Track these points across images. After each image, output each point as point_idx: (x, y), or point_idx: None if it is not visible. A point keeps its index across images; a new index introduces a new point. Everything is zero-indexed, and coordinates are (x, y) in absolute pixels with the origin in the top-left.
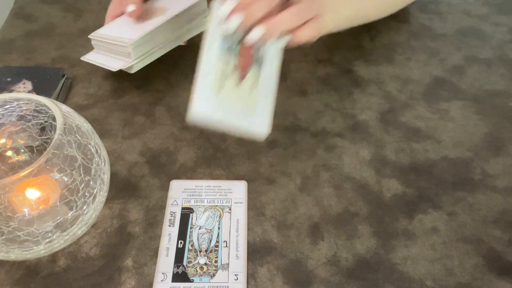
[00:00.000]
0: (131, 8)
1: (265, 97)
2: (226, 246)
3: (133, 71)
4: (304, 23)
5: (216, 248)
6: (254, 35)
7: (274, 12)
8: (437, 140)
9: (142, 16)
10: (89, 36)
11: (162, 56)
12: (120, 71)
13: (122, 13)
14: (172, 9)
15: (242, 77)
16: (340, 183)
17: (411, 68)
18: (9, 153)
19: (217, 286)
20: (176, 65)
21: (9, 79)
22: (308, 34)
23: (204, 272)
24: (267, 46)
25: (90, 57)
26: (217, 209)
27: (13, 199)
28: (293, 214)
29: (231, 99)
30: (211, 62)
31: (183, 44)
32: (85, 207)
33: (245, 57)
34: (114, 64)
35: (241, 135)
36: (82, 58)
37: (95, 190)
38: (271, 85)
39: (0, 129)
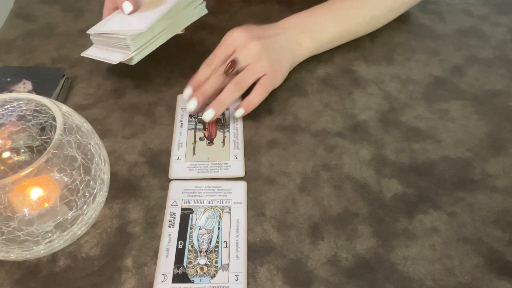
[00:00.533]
0: (127, 8)
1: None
2: (226, 247)
3: (133, 62)
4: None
5: (216, 249)
6: (207, 116)
7: (226, 81)
8: (437, 140)
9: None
10: (87, 32)
11: (162, 56)
12: (121, 68)
13: (117, 7)
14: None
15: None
16: (340, 183)
17: (411, 68)
18: (9, 153)
19: (217, 287)
20: (176, 65)
21: (9, 79)
22: (257, 99)
23: (204, 273)
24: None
25: (90, 53)
26: (217, 210)
27: (13, 199)
28: (293, 214)
29: None
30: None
31: (181, 32)
32: (85, 207)
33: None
34: (113, 57)
35: None
36: (82, 54)
37: (95, 190)
38: None
39: (0, 129)
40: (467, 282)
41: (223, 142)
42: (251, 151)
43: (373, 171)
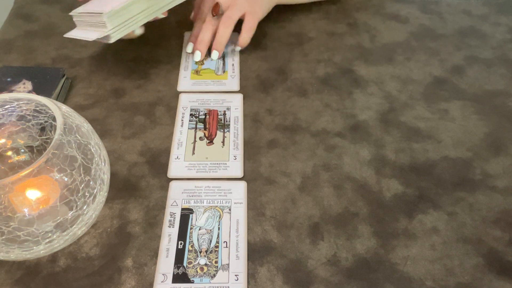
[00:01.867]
0: None
1: None
2: (226, 247)
3: (111, 41)
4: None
5: (216, 249)
6: (214, 56)
7: (216, 24)
8: (437, 140)
9: None
10: (70, 13)
11: (162, 56)
12: (121, 68)
13: None
14: None
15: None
16: (340, 183)
17: (411, 68)
18: (9, 153)
19: (217, 287)
20: (176, 65)
21: (9, 79)
22: (247, 34)
23: (204, 273)
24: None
25: (72, 33)
26: (217, 210)
27: (13, 199)
28: (293, 214)
29: None
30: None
31: (163, 16)
32: (85, 207)
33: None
34: (91, 35)
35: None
36: (65, 35)
37: (95, 190)
38: None
39: (0, 129)
40: (467, 282)
41: (223, 142)
42: (251, 151)
43: (373, 171)
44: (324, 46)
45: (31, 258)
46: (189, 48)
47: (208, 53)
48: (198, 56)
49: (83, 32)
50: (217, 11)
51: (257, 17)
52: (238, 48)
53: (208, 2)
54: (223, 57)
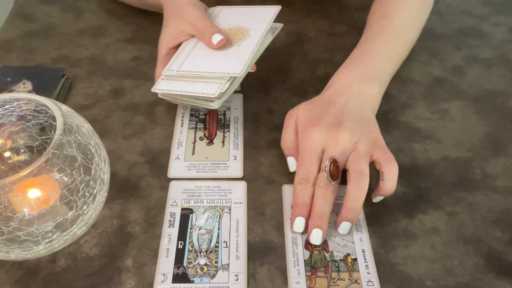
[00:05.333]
0: (217, 38)
1: None
2: (226, 247)
3: (215, 107)
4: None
5: (216, 249)
6: (345, 230)
7: (335, 188)
8: (437, 140)
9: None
10: (164, 72)
11: None
12: (121, 68)
13: (178, 45)
14: (254, 29)
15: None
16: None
17: (411, 68)
18: (9, 153)
19: (217, 287)
20: None
21: (9, 79)
22: (393, 182)
23: (204, 273)
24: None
25: (166, 87)
26: (216, 210)
27: (13, 199)
28: None
29: None
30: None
31: (252, 70)
32: (85, 207)
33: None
34: (207, 89)
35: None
36: (154, 90)
37: (95, 190)
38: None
39: (0, 129)
40: (467, 282)
41: (223, 142)
42: (251, 151)
43: (373, 171)
44: (324, 46)
45: (31, 258)
46: (298, 226)
47: None
48: (319, 237)
49: (185, 86)
50: (337, 174)
51: (386, 149)
52: (379, 199)
53: (311, 155)
54: None
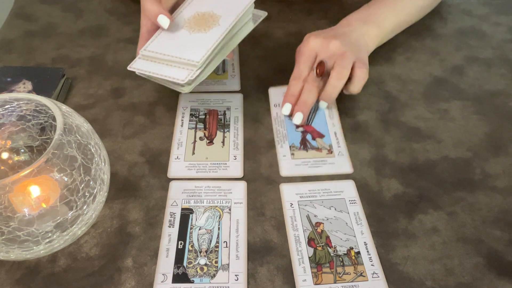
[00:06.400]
0: (163, 21)
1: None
2: (226, 247)
3: (185, 91)
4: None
5: (216, 249)
6: (323, 106)
7: (320, 85)
8: (437, 140)
9: (191, 25)
10: (141, 51)
11: None
12: (121, 68)
13: (157, 28)
14: (225, 17)
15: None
16: None
17: (411, 68)
18: (9, 153)
19: (217, 287)
20: None
21: (9, 79)
22: (360, 84)
23: (204, 273)
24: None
25: (141, 66)
26: (216, 210)
27: (13, 199)
28: None
29: None
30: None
31: (227, 58)
32: (85, 207)
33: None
34: (177, 74)
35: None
36: (130, 68)
37: (95, 190)
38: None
39: (0, 129)
40: (467, 282)
41: (223, 142)
42: (251, 151)
43: (373, 171)
44: None
45: (31, 258)
46: (286, 109)
47: None
48: (299, 119)
49: (158, 68)
50: (323, 72)
51: (366, 63)
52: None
53: (306, 57)
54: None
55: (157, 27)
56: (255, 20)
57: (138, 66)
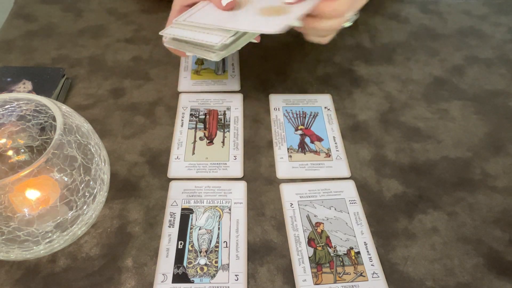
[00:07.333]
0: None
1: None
2: (226, 247)
3: (214, 59)
4: None
5: (216, 249)
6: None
7: None
8: (437, 140)
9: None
10: (174, 20)
11: (162, 56)
12: (121, 68)
13: (191, 4)
14: (290, 13)
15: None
16: None
17: (411, 68)
18: (9, 153)
19: (217, 287)
20: (176, 65)
21: (9, 79)
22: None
23: (204, 273)
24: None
25: (175, 32)
26: (217, 210)
27: (13, 199)
28: None
29: None
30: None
31: (255, 41)
32: (85, 207)
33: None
34: (210, 38)
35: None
36: (163, 33)
37: (95, 190)
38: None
39: (0, 129)
40: (467, 282)
41: (223, 142)
42: (251, 151)
43: (373, 171)
44: (324, 46)
45: (31, 258)
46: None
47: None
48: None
49: (193, 33)
50: None
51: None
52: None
53: None
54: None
55: (189, 6)
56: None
57: (170, 31)
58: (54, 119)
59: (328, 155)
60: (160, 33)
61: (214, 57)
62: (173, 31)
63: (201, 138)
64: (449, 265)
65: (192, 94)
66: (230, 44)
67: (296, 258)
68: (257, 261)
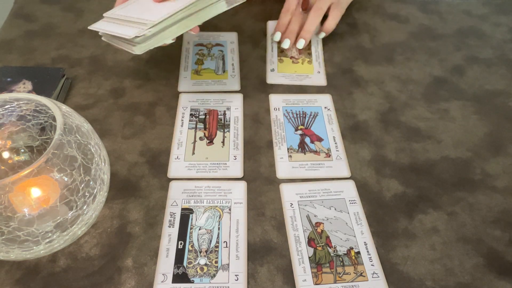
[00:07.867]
0: None
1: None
2: (226, 247)
3: (136, 52)
4: (328, 12)
5: (216, 249)
6: (300, 44)
7: (305, 17)
8: (437, 140)
9: None
10: (104, 14)
11: (162, 56)
12: (121, 68)
13: None
14: None
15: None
16: None
17: (411, 68)
18: (9, 153)
19: (217, 287)
20: (176, 65)
21: (9, 79)
22: (333, 22)
23: (204, 273)
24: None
25: (99, 26)
26: (217, 210)
27: (13, 199)
28: None
29: None
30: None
31: (193, 33)
32: (85, 207)
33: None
34: (127, 31)
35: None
36: (92, 27)
37: (95, 190)
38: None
39: (0, 129)
40: (467, 282)
41: (223, 142)
42: (251, 151)
43: (373, 171)
44: (324, 46)
45: (31, 258)
46: (277, 36)
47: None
48: (287, 43)
49: (114, 27)
50: (306, 6)
51: (342, 8)
52: (322, 35)
53: None
54: (222, 56)
55: None
56: (230, 3)
57: (97, 26)
58: (54, 119)
59: (328, 155)
60: (89, 27)
61: (136, 50)
62: (99, 25)
63: (201, 138)
64: (449, 265)
65: (192, 94)
66: (151, 36)
67: (296, 258)
68: (257, 261)
